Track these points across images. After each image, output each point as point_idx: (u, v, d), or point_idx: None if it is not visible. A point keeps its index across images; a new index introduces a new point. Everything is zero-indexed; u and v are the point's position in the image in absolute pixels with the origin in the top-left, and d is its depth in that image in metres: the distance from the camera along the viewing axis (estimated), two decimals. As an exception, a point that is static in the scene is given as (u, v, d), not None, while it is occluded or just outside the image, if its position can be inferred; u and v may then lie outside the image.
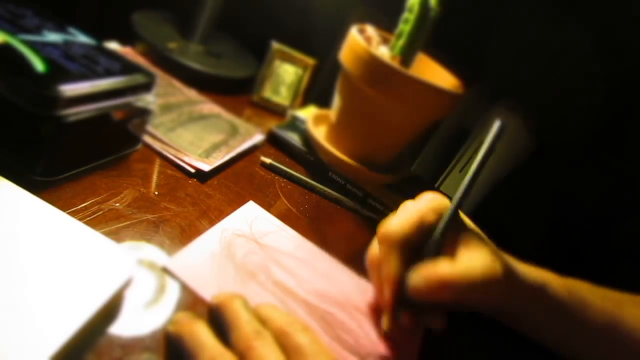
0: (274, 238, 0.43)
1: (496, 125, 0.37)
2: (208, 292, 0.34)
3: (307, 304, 0.37)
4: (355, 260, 0.44)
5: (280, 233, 0.44)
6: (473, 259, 0.37)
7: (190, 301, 0.33)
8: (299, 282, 0.39)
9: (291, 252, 0.42)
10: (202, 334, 0.28)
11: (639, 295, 0.44)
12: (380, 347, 0.37)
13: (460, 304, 0.38)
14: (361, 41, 0.53)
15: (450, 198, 0.39)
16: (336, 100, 0.60)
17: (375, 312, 0.41)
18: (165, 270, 0.34)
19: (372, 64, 0.52)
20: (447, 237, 0.38)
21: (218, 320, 0.31)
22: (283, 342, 0.29)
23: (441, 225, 0.38)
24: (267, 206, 0.48)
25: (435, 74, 0.60)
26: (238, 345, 0.28)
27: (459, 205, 0.38)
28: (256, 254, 0.40)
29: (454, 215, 0.38)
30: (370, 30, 0.59)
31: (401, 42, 0.55)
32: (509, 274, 0.37)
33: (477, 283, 0.35)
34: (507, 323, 0.43)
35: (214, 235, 0.40)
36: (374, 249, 0.41)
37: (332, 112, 0.61)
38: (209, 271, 0.36)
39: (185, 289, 0.34)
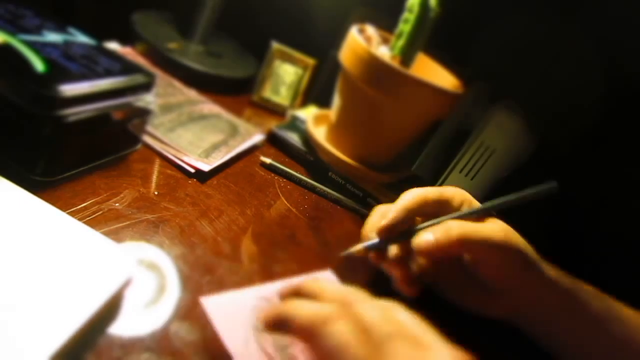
0: None
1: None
2: (232, 341, 0.32)
3: None
4: (354, 260, 0.44)
5: None
6: (493, 226, 0.38)
7: (190, 301, 0.33)
8: None
9: None
10: (295, 302, 0.29)
11: None
12: None
13: (477, 267, 0.38)
14: (361, 41, 0.53)
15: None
16: (336, 100, 0.60)
17: None
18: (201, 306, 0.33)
19: (372, 64, 0.52)
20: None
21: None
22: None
23: (467, 210, 0.39)
24: (267, 206, 0.48)
25: (435, 74, 0.60)
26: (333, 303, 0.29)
27: (488, 210, 0.40)
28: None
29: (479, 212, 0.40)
30: (370, 30, 0.59)
31: (401, 42, 0.55)
32: (531, 261, 0.38)
33: (495, 243, 0.36)
34: (534, 332, 0.41)
35: (253, 293, 0.37)
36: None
37: (332, 112, 0.61)
38: (240, 323, 0.34)
39: (186, 288, 0.34)
